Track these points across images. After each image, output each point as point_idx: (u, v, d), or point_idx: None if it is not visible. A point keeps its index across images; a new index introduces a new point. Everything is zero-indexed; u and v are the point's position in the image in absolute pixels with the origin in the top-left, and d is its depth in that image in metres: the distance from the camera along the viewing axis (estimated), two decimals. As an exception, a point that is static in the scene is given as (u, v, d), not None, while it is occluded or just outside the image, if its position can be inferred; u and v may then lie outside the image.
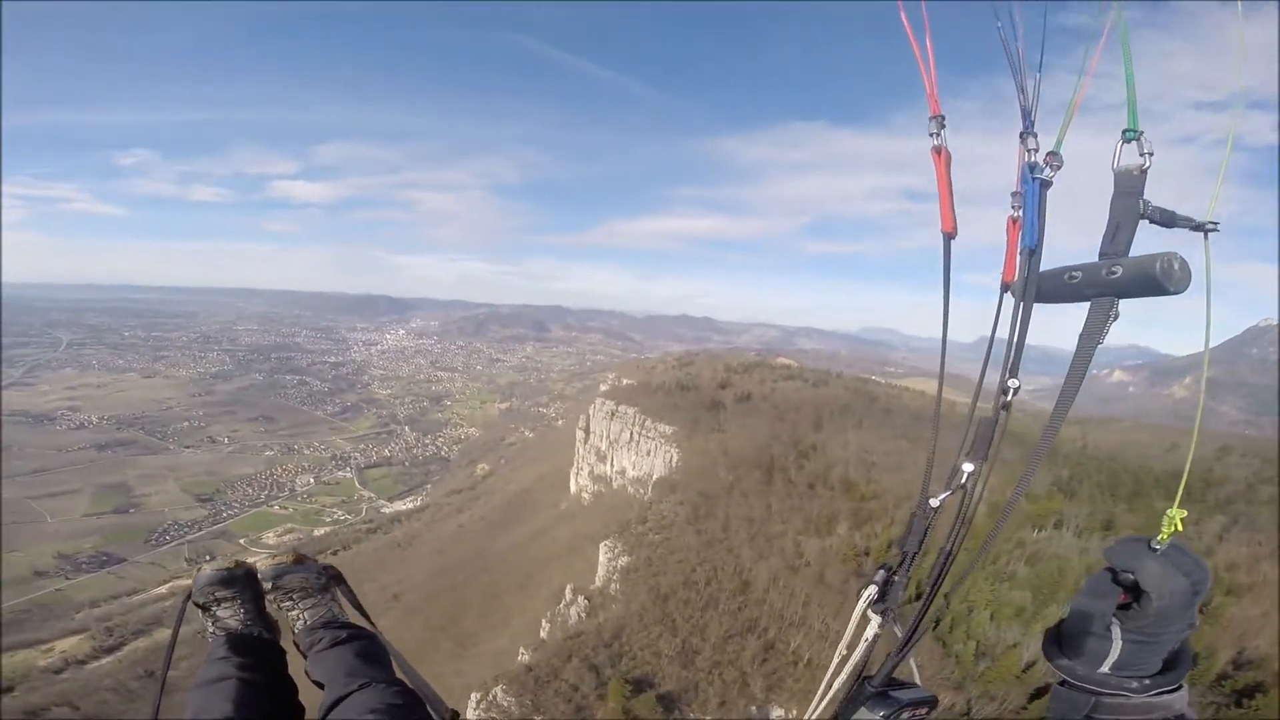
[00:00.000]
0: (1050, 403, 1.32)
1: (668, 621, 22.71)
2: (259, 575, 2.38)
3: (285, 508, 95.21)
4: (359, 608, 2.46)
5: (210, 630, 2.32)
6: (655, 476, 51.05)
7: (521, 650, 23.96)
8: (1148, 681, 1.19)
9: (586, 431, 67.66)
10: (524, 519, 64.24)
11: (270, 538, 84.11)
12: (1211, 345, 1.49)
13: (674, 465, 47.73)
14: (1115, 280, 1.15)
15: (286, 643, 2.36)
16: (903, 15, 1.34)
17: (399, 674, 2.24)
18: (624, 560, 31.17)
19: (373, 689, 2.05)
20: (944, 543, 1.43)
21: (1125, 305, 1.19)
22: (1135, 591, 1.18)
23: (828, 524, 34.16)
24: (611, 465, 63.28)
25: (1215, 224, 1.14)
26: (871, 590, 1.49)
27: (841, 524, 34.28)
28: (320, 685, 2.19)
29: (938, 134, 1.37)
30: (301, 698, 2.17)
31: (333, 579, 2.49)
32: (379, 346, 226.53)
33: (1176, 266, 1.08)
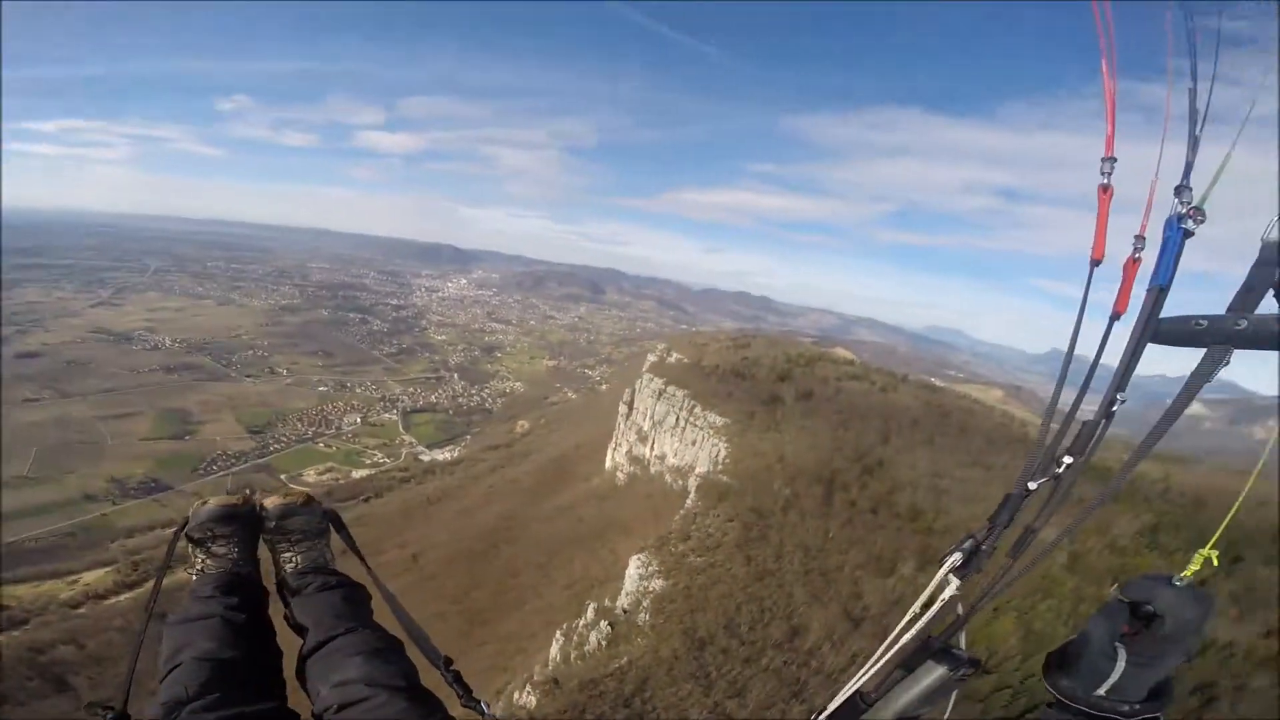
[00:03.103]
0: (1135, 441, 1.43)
1: (702, 676, 18.82)
2: (264, 514, 2.35)
3: (329, 446, 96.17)
4: (356, 552, 2.38)
5: (199, 567, 2.30)
6: (699, 470, 47.34)
7: (528, 690, 20.91)
8: (1137, 706, 1.27)
9: (630, 407, 64.24)
10: (555, 490, 61.99)
11: (311, 475, 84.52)
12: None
13: (721, 461, 43.80)
14: (1240, 332, 1.27)
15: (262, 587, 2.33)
16: (1105, 66, 1.45)
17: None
18: (658, 584, 27.40)
19: (359, 633, 2.05)
20: (1031, 521, 1.52)
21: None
22: (1147, 620, 1.29)
23: (891, 561, 29.67)
24: (652, 448, 59.82)
25: None
26: (956, 556, 1.56)
27: (907, 562, 29.66)
28: (300, 630, 2.16)
29: (1109, 174, 1.50)
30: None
31: (331, 522, 2.44)
32: (440, 294, 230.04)
33: None
